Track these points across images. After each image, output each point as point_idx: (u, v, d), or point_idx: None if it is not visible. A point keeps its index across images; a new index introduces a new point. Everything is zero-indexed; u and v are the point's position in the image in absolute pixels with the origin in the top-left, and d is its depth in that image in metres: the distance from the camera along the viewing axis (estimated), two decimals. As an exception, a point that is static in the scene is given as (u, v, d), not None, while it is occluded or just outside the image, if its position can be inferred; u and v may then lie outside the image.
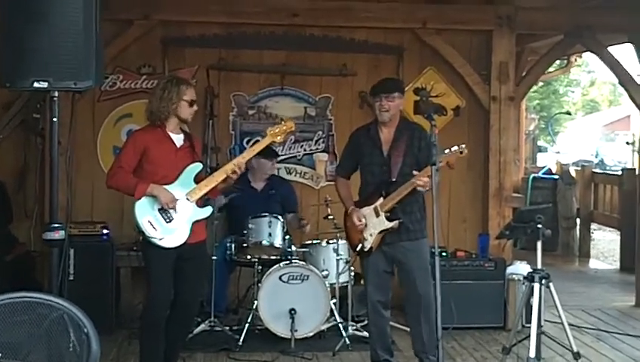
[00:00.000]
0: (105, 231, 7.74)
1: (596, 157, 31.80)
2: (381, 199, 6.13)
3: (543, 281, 5.70)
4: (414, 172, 5.97)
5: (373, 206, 6.16)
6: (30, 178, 8.37)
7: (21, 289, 4.19)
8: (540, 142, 29.06)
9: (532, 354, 5.55)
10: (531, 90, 30.09)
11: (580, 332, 7.90)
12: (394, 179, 6.10)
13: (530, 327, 7.33)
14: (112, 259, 7.69)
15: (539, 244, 5.74)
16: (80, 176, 8.16)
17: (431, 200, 5.56)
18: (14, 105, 8.26)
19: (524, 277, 6.00)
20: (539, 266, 5.77)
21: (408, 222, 6.14)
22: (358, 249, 6.28)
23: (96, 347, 3.85)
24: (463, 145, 5.94)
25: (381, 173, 6.20)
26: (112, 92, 8.45)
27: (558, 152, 26.37)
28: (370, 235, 6.18)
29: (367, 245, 6.20)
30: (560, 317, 5.87)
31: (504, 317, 7.81)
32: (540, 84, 29.58)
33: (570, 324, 7.91)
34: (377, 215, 6.13)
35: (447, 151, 5.90)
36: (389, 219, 6.09)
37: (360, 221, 6.17)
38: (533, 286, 5.69)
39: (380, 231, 6.13)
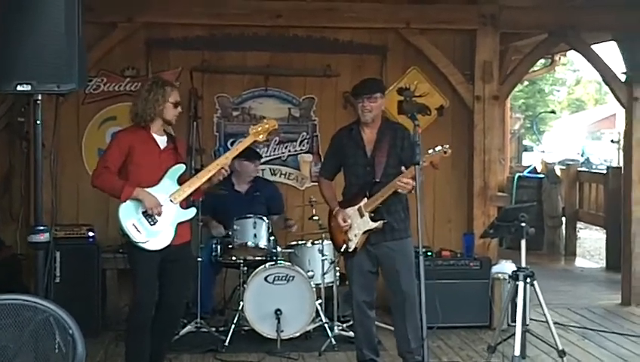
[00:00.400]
0: (90, 234, 7.74)
1: (582, 155, 31.82)
2: (365, 199, 6.13)
3: (528, 280, 5.69)
4: (402, 169, 5.98)
5: (357, 206, 6.17)
6: (15, 181, 8.36)
7: (7, 291, 4.17)
8: (526, 142, 29.12)
9: (517, 352, 5.57)
10: (516, 89, 30.20)
11: (566, 331, 7.93)
12: (378, 180, 6.10)
13: (513, 326, 7.46)
14: (98, 262, 7.69)
15: (523, 243, 5.75)
16: (65, 179, 8.19)
17: (415, 199, 5.59)
18: (-1, 108, 8.25)
19: (509, 276, 6.00)
20: (523, 265, 5.79)
21: (393, 222, 6.14)
22: (342, 249, 6.29)
23: (81, 349, 3.85)
24: (447, 146, 5.94)
25: (365, 173, 6.20)
26: (97, 95, 8.45)
27: (544, 151, 26.40)
28: (355, 236, 6.18)
29: (352, 245, 6.20)
30: (545, 315, 5.87)
31: (490, 316, 7.83)
32: (526, 83, 29.66)
33: (556, 323, 7.95)
34: (361, 215, 6.14)
35: (430, 151, 5.91)
36: (373, 220, 6.09)
37: (345, 221, 6.17)
38: (517, 285, 5.68)
39: (365, 232, 6.13)
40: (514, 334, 5.76)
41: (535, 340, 6.42)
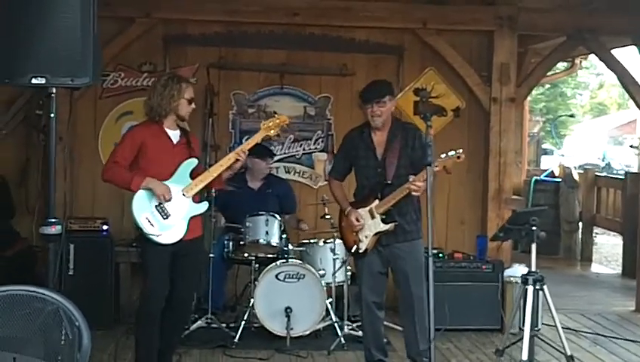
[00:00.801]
0: (105, 227, 7.80)
1: (603, 160, 31.69)
2: (376, 201, 6.12)
3: (537, 284, 5.67)
4: (410, 177, 5.93)
5: (368, 208, 6.16)
6: (32, 174, 8.42)
7: (22, 283, 4.20)
8: (546, 145, 28.99)
9: (525, 356, 5.55)
10: (537, 92, 30.05)
11: (578, 336, 7.92)
12: (389, 182, 6.09)
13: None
14: (112, 255, 7.75)
15: (533, 247, 5.73)
16: (82, 173, 8.28)
17: (426, 201, 5.57)
18: (17, 102, 8.29)
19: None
20: (533, 269, 5.76)
21: (404, 224, 6.13)
22: (353, 250, 6.29)
23: (87, 340, 3.88)
24: (460, 150, 5.90)
25: (376, 175, 6.18)
26: (114, 89, 8.50)
27: (564, 155, 26.26)
28: (366, 237, 6.17)
29: (363, 246, 6.19)
30: (554, 320, 5.84)
31: (501, 320, 7.81)
32: (547, 86, 29.57)
33: (568, 328, 8.05)
34: (373, 217, 6.13)
35: (443, 155, 5.87)
36: (384, 222, 6.08)
37: (358, 221, 6.16)
38: (526, 289, 5.67)
39: (376, 233, 6.13)
40: (522, 338, 5.72)
41: (546, 344, 6.39)
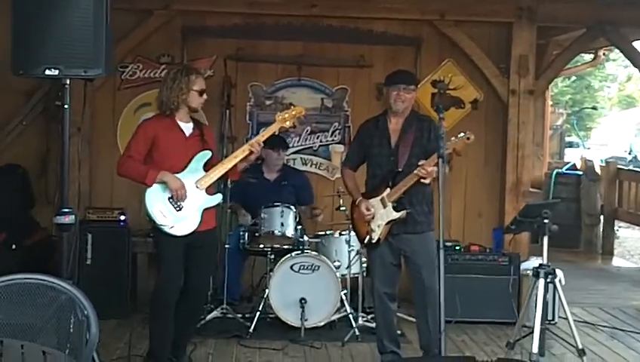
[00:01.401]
0: (122, 217, 7.86)
1: (630, 153, 31.41)
2: (388, 190, 6.09)
3: (549, 277, 5.65)
4: (420, 161, 5.92)
5: (380, 197, 6.13)
6: (52, 164, 8.46)
7: (41, 272, 4.24)
8: (572, 138, 28.80)
9: (535, 349, 5.52)
10: (564, 84, 29.82)
11: (595, 330, 7.89)
12: (400, 170, 6.07)
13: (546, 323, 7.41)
14: (129, 245, 7.81)
15: (545, 239, 5.70)
16: (100, 164, 8.34)
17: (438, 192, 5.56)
18: (37, 93, 8.38)
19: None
20: (545, 261, 5.73)
21: (415, 214, 6.10)
22: (365, 241, 6.28)
23: (95, 329, 3.90)
24: (469, 132, 5.90)
25: (388, 163, 6.15)
26: (132, 81, 8.56)
27: (589, 148, 26.10)
28: (378, 226, 6.15)
29: (375, 236, 6.17)
30: (565, 312, 5.83)
31: (517, 313, 7.78)
32: (573, 78, 29.36)
33: (585, 322, 8.04)
34: (384, 206, 6.10)
35: (453, 138, 5.87)
36: (396, 210, 6.06)
37: (368, 210, 6.15)
38: (537, 282, 5.65)
39: (388, 222, 6.10)
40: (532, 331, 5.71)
41: (562, 338, 6.38)
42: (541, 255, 6.78)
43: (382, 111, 6.38)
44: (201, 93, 5.98)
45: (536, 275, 5.70)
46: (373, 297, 6.42)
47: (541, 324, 5.57)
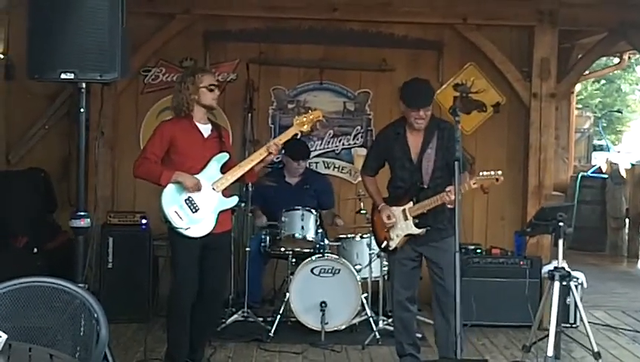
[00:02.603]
0: (143, 221, 7.87)
1: (660, 157, 31.06)
2: (410, 203, 6.02)
3: (564, 280, 5.62)
4: (448, 187, 5.72)
5: (402, 208, 6.07)
6: (74, 168, 8.46)
7: (63, 276, 4.28)
8: (602, 141, 28.55)
9: (550, 352, 5.51)
10: (593, 87, 29.52)
11: (617, 334, 7.85)
12: (425, 186, 5.98)
13: (566, 327, 7.38)
14: (150, 249, 7.83)
15: (560, 242, 5.68)
16: (123, 167, 8.33)
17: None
18: (59, 97, 8.47)
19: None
20: (560, 265, 5.71)
21: (439, 223, 6.00)
22: (382, 246, 6.29)
23: (105, 332, 3.92)
24: (499, 172, 5.75)
25: (411, 177, 6.06)
26: (155, 85, 8.61)
27: (619, 151, 25.87)
28: (397, 236, 6.11)
29: (393, 245, 6.15)
30: (581, 315, 5.80)
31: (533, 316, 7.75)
32: (603, 81, 29.11)
33: (607, 325, 7.99)
34: (405, 218, 6.05)
35: (482, 173, 5.75)
36: (417, 226, 5.99)
37: (390, 219, 6.10)
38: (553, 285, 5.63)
39: (407, 235, 6.07)
40: (547, 334, 5.69)
41: (585, 341, 6.33)
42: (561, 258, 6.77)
43: (399, 119, 6.24)
44: (210, 89, 5.97)
45: (552, 278, 5.68)
46: (392, 300, 6.40)
47: (556, 327, 5.54)
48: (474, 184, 5.68)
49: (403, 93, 6.12)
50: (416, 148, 6.04)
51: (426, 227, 5.97)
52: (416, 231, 6.00)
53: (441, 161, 5.98)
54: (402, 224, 6.08)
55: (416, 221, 6.00)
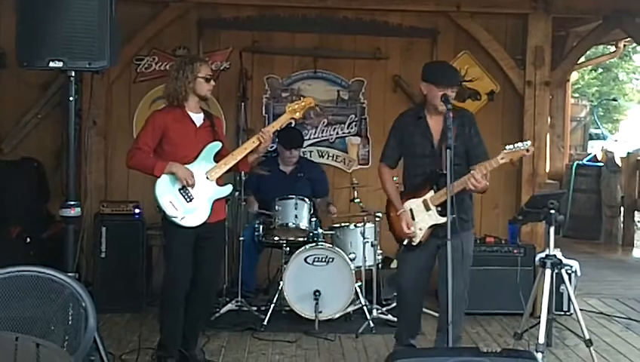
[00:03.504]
0: (137, 210, 7.86)
1: (657, 145, 31.04)
2: (431, 192, 5.74)
3: (556, 268, 5.61)
4: (472, 169, 5.62)
5: (422, 198, 5.78)
6: (67, 157, 8.51)
7: (56, 265, 4.27)
8: (598, 130, 28.54)
9: (541, 340, 5.51)
10: (590, 76, 29.49)
11: (610, 321, 7.86)
12: (445, 172, 5.51)
13: (559, 314, 7.38)
14: (144, 238, 7.82)
15: (551, 230, 5.65)
16: (116, 157, 8.33)
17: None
18: (52, 86, 8.42)
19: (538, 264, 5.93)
20: (551, 252, 5.69)
21: (462, 214, 5.71)
22: (405, 243, 5.88)
23: (93, 321, 3.91)
24: (528, 143, 5.61)
25: (432, 164, 5.77)
26: (148, 73, 8.57)
27: (617, 140, 25.84)
28: (420, 230, 5.79)
29: (417, 240, 5.81)
30: (572, 303, 5.79)
31: (533, 304, 7.74)
32: (600, 70, 29.09)
33: (601, 313, 8.00)
34: (427, 208, 5.76)
35: (510, 147, 5.59)
36: (441, 214, 5.63)
37: (409, 229, 5.77)
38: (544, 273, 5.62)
39: (431, 226, 5.77)
40: (539, 322, 5.68)
41: (577, 329, 6.34)
42: (556, 246, 6.76)
43: (418, 105, 6.06)
44: (207, 79, 5.96)
45: (544, 266, 5.66)
46: (400, 295, 6.16)
47: (548, 315, 5.53)
48: (502, 159, 5.54)
49: (428, 74, 5.84)
50: (437, 132, 5.77)
51: (453, 215, 5.42)
52: (442, 219, 5.59)
53: (461, 148, 5.72)
54: (424, 216, 5.78)
55: (439, 210, 5.68)
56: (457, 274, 5.45)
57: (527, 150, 5.58)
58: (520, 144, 5.58)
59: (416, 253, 5.88)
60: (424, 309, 7.16)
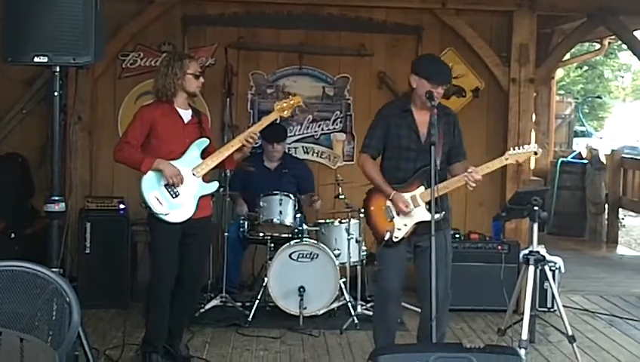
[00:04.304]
0: (121, 206, 7.85)
1: (642, 142, 31.18)
2: (422, 188, 5.58)
3: (539, 264, 5.64)
4: (471, 167, 5.56)
5: (411, 194, 5.62)
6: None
7: (41, 261, 4.27)
8: (584, 127, 28.64)
9: (524, 336, 5.54)
10: (575, 74, 29.60)
11: (594, 318, 7.91)
12: (439, 168, 5.40)
13: (543, 311, 7.43)
14: (129, 234, 7.82)
15: (535, 226, 5.69)
16: (101, 152, 8.33)
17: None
18: (37, 81, 8.39)
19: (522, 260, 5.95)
20: (534, 249, 5.72)
21: (446, 210, 5.66)
22: (386, 238, 5.67)
23: (77, 316, 3.91)
24: (535, 146, 5.62)
25: (416, 159, 5.63)
26: (133, 69, 8.56)
27: (602, 138, 25.97)
28: (405, 225, 5.63)
29: (399, 235, 5.64)
30: (555, 299, 5.83)
31: (517, 300, 7.77)
32: (585, 67, 29.20)
33: (585, 309, 8.05)
34: (416, 205, 5.61)
35: (516, 149, 5.59)
36: (430, 211, 5.40)
37: (407, 207, 5.58)
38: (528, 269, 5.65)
39: (418, 222, 5.61)
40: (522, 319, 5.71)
41: (560, 325, 6.38)
42: (540, 242, 6.79)
43: (402, 97, 5.95)
44: (196, 76, 5.97)
45: (527, 262, 5.69)
46: (379, 299, 5.97)
47: (531, 311, 5.56)
48: (506, 160, 5.54)
49: (421, 68, 5.69)
50: (424, 128, 5.61)
51: (442, 212, 5.42)
52: (429, 216, 5.34)
53: (446, 146, 5.70)
54: (412, 211, 5.62)
55: (427, 207, 5.52)
56: (441, 272, 5.37)
57: (535, 153, 5.61)
58: (527, 147, 5.60)
59: (397, 249, 5.69)
60: (407, 305, 7.25)
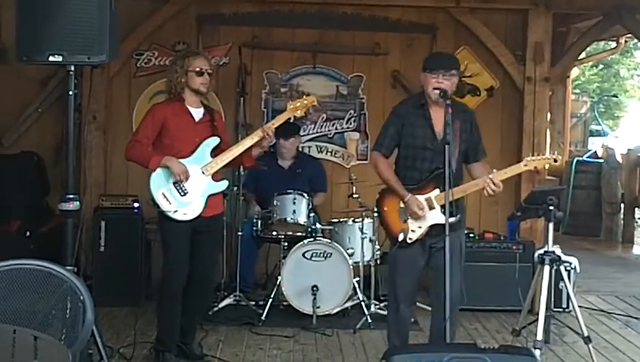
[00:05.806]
0: (136, 205, 7.87)
1: (658, 142, 31.00)
2: (437, 190, 5.45)
3: (554, 264, 5.61)
4: (493, 171, 5.47)
5: (426, 196, 5.50)
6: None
7: (55, 259, 4.28)
8: (600, 126, 28.52)
9: (539, 336, 5.50)
10: (591, 72, 29.47)
11: (610, 318, 7.87)
12: (453, 170, 5.25)
13: (558, 311, 7.39)
14: (143, 232, 7.84)
15: (550, 226, 5.65)
16: (116, 151, 8.33)
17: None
18: (52, 80, 8.43)
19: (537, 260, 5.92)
20: (550, 249, 5.69)
21: (461, 212, 5.55)
22: (400, 239, 5.55)
23: (90, 315, 3.92)
24: (555, 152, 5.60)
25: (432, 158, 5.48)
26: (148, 68, 8.59)
27: (617, 137, 25.84)
28: (419, 227, 5.52)
29: (414, 237, 5.52)
30: (570, 300, 5.80)
31: (531, 300, 7.74)
32: (601, 66, 29.07)
33: (600, 310, 8.01)
34: (431, 207, 5.50)
35: (536, 156, 5.51)
36: (445, 214, 5.18)
37: (422, 210, 5.46)
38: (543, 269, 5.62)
39: (432, 225, 5.49)
40: (537, 319, 5.68)
41: (576, 326, 6.35)
42: (555, 242, 6.74)
43: (418, 95, 5.75)
44: (199, 73, 5.95)
45: (542, 262, 5.66)
46: (392, 300, 5.85)
47: (546, 311, 5.53)
48: (525, 166, 5.46)
49: (424, 62, 5.61)
50: (440, 126, 5.46)
51: (457, 215, 5.31)
52: (449, 219, 5.11)
53: (465, 145, 5.57)
54: (427, 214, 5.50)
55: (443, 210, 5.30)
56: (456, 273, 5.28)
57: (555, 160, 5.53)
58: (548, 154, 5.54)
59: (411, 250, 5.59)
60: (422, 305, 7.23)
